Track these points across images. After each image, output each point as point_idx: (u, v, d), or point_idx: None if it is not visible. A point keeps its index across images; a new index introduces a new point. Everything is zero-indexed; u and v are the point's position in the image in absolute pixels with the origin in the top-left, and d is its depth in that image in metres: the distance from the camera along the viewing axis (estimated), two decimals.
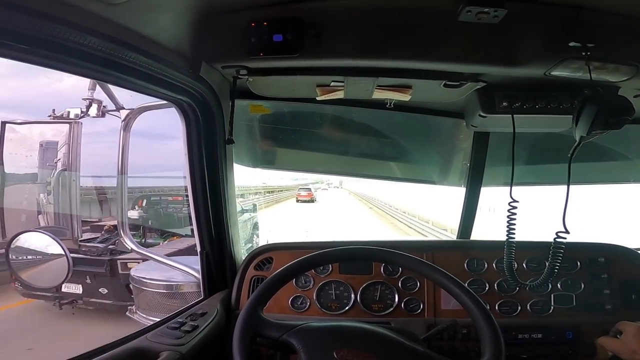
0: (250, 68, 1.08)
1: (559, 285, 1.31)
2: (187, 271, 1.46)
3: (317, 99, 1.26)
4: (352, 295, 1.34)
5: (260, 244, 1.47)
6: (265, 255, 1.42)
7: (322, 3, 0.97)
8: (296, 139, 1.73)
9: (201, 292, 1.36)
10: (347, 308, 1.33)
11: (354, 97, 1.30)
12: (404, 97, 1.23)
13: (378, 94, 1.24)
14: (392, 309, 1.32)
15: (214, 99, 1.15)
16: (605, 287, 1.32)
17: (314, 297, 1.34)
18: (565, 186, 1.02)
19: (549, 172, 1.79)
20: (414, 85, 1.17)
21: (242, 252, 1.49)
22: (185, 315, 1.18)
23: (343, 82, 1.16)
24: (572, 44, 0.90)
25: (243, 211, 6.63)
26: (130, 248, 1.60)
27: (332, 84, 1.19)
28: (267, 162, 1.83)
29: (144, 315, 1.82)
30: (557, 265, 1.13)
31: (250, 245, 6.22)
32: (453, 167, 1.78)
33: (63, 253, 1.30)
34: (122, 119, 1.47)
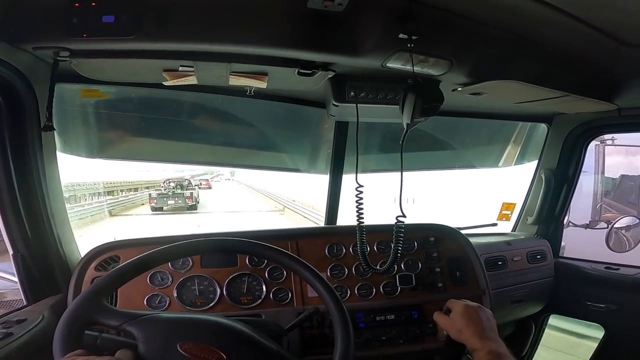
0: (73, 50, 0.94)
1: (402, 266, 1.43)
2: (5, 277, 1.28)
3: (165, 84, 1.15)
4: (218, 290, 1.28)
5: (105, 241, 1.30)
6: (109, 253, 1.27)
7: None
8: (150, 127, 1.57)
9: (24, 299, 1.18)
10: (213, 303, 1.26)
11: (209, 84, 1.23)
12: (261, 85, 1.21)
13: (234, 81, 1.19)
14: (260, 300, 1.30)
15: (21, 82, 1.00)
16: (436, 266, 1.46)
17: (174, 295, 1.24)
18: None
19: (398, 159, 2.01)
20: (270, 72, 1.15)
21: (78, 252, 1.32)
22: None
23: (193, 67, 1.08)
24: (401, 35, 0.96)
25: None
26: None
27: (181, 68, 1.09)
28: (114, 152, 1.61)
29: None
30: (400, 249, 1.23)
31: None
32: (320, 155, 1.85)
33: None
34: None
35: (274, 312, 1.28)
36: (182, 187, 11.85)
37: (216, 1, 0.91)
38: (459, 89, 1.24)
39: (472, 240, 1.56)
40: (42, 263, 1.18)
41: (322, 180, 1.78)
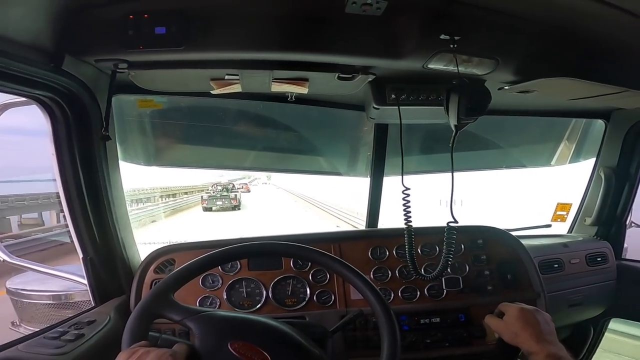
0: (131, 61, 1.00)
1: (448, 269, 1.38)
2: (75, 279, 1.35)
3: (213, 92, 1.21)
4: (264, 292, 1.32)
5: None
6: (166, 257, 1.34)
7: None
8: (198, 134, 1.65)
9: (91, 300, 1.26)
10: (259, 305, 1.31)
11: (253, 91, 1.27)
12: (302, 90, 1.23)
13: (276, 87, 1.22)
14: (305, 302, 1.32)
15: (86, 94, 1.06)
16: (485, 269, 1.42)
17: (224, 297, 1.30)
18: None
19: (445, 161, 1.96)
20: (310, 78, 1.17)
21: (138, 255, 1.39)
22: (68, 325, 1.08)
23: (238, 75, 1.12)
24: (442, 36, 0.95)
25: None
26: (1, 259, 1.42)
27: (227, 77, 1.14)
28: (166, 160, 1.72)
29: (31, 328, 1.61)
30: (451, 256, 1.21)
31: None
32: (360, 158, 1.85)
33: None
34: None
35: (318, 314, 1.30)
36: (227, 190, 14.77)
37: (257, 10, 0.94)
38: (506, 87, 1.19)
39: (525, 242, 1.51)
40: (108, 266, 1.25)
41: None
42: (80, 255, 1.21)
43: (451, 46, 0.95)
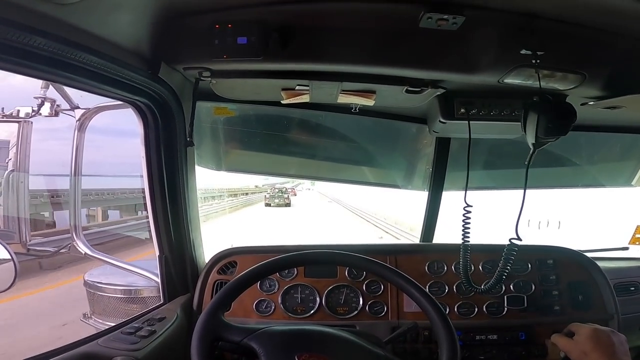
0: (214, 70, 1.06)
1: (511, 286, 1.35)
2: (147, 275, 1.42)
3: (282, 102, 1.25)
4: (318, 299, 1.34)
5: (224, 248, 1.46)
6: (228, 259, 1.40)
7: (286, 7, 0.96)
8: (263, 142, 1.71)
9: (161, 297, 1.33)
10: (312, 312, 1.33)
11: (320, 101, 1.30)
12: (368, 102, 1.25)
13: (343, 99, 1.24)
14: (356, 312, 1.33)
15: (174, 100, 1.12)
16: (554, 289, 1.37)
17: (279, 301, 1.33)
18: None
19: (507, 177, 1.87)
20: (378, 90, 1.19)
21: (204, 256, 1.46)
22: (142, 321, 1.15)
23: (308, 86, 1.16)
24: (523, 51, 0.92)
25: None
26: (84, 252, 1.52)
27: (297, 87, 1.18)
28: (233, 165, 1.80)
29: (100, 321, 1.73)
30: (506, 272, 1.19)
31: None
32: (417, 171, 1.82)
33: (9, 257, 1.20)
34: (77, 118, 1.41)
35: (368, 324, 1.30)
36: (282, 192, 21.70)
37: (331, 22, 0.96)
38: (591, 103, 1.12)
39: (599, 264, 1.43)
40: (178, 265, 1.32)
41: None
42: (157, 253, 1.28)
43: (533, 61, 0.92)
